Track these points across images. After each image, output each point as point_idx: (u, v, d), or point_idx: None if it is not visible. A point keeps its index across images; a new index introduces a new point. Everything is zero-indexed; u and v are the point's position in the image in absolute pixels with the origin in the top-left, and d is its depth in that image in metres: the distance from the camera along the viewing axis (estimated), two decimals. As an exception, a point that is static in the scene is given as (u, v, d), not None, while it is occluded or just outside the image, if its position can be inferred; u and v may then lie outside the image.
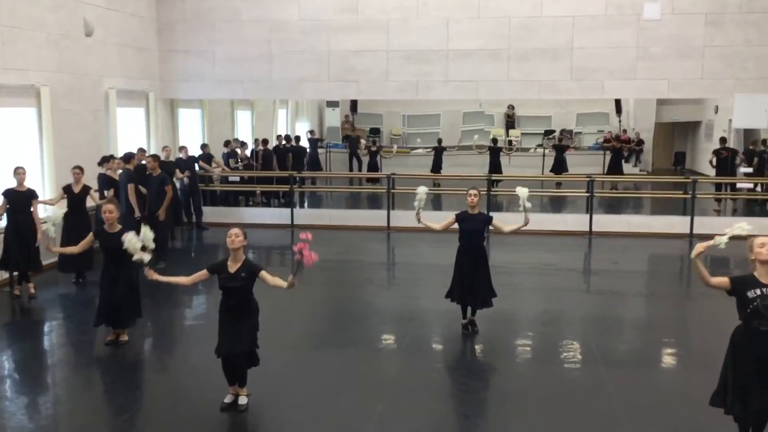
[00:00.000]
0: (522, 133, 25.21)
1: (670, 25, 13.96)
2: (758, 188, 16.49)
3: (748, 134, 18.40)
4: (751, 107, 14.18)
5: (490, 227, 7.91)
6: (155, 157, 11.70)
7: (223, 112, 18.16)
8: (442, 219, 7.91)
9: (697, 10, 13.86)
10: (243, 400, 6.10)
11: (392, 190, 14.96)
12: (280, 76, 15.16)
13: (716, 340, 4.96)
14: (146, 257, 6.58)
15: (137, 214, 10.96)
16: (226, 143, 16.84)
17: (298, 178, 16.95)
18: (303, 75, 15.08)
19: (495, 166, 18.58)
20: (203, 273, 6.07)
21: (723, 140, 17.05)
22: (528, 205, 7.66)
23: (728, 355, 5.04)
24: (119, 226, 7.39)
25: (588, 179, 14.74)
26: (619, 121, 24.59)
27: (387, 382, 6.80)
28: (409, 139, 25.23)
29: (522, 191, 7.68)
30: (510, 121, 25.53)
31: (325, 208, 17.54)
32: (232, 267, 5.96)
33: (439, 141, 20.42)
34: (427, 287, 10.17)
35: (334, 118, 25.78)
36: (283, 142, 18.99)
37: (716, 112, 21.64)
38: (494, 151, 19.09)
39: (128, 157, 11.55)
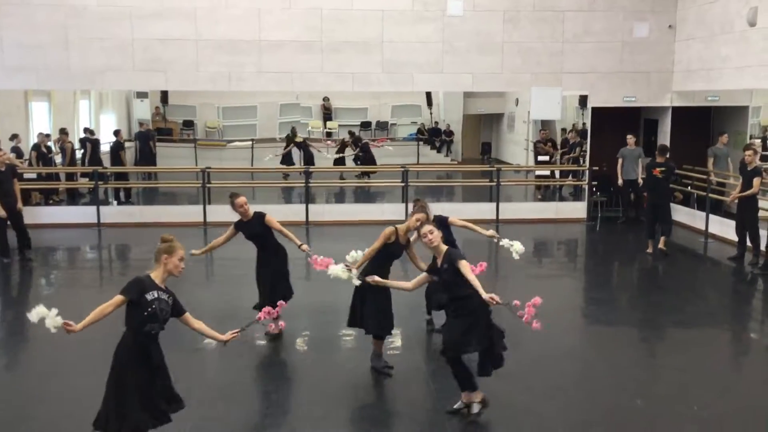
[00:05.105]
0: (339, 125, 25.45)
1: (471, 21, 14.68)
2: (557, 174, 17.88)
3: (545, 125, 19.85)
4: (546, 100, 15.27)
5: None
6: None
7: (15, 105, 16.61)
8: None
9: (496, 7, 14.69)
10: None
11: (207, 185, 14.51)
12: (79, 65, 14.13)
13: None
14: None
15: None
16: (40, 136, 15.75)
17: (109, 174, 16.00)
18: (105, 64, 14.17)
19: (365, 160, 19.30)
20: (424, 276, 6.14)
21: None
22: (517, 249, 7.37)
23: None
24: (251, 214, 7.87)
25: (402, 169, 15.20)
26: (431, 113, 25.58)
27: (203, 384, 6.59)
28: (226, 132, 24.59)
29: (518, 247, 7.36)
30: (327, 113, 25.70)
31: (136, 205, 16.64)
32: None
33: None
34: (247, 285, 9.92)
35: (143, 110, 24.42)
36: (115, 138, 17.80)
37: (517, 104, 23.12)
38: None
39: None
